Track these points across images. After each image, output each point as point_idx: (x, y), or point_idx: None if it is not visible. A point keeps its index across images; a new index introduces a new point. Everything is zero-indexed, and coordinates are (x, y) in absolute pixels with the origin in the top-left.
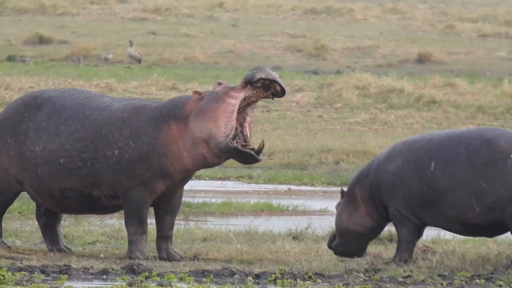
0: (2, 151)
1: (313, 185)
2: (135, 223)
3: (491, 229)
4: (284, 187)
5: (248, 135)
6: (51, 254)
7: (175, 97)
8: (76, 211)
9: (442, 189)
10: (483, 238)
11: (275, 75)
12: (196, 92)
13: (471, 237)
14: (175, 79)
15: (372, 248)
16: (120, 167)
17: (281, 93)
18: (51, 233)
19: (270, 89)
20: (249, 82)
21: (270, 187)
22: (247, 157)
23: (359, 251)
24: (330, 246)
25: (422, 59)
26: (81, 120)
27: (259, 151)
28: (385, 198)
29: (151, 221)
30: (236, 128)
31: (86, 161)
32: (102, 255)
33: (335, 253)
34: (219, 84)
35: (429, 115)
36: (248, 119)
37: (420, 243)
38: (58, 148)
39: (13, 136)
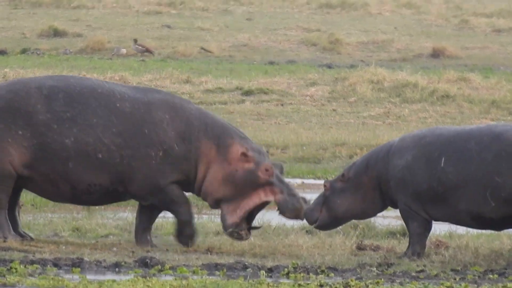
0: (9, 142)
1: (326, 178)
2: (182, 203)
3: (504, 222)
4: (298, 180)
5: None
6: (64, 247)
7: (223, 124)
8: (92, 204)
9: (453, 185)
10: (497, 233)
11: (301, 218)
12: (243, 154)
13: (484, 232)
14: (189, 72)
15: (385, 243)
16: (161, 168)
17: None
18: (10, 219)
19: None
20: (278, 207)
21: None
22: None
23: (342, 224)
24: (312, 222)
25: (436, 54)
26: (113, 112)
27: (253, 228)
28: (394, 192)
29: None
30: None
31: (123, 158)
32: (115, 248)
33: (318, 228)
34: (266, 170)
35: (443, 109)
36: None
37: (433, 237)
38: (95, 142)
39: (27, 128)
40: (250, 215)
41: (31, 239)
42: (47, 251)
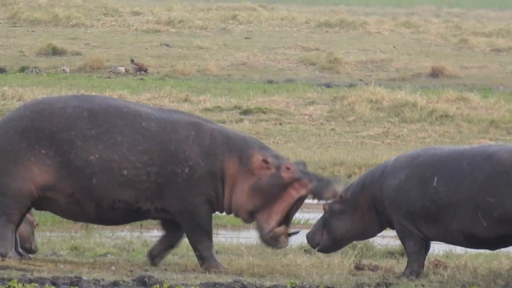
0: (31, 161)
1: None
2: (205, 238)
3: (497, 242)
4: None
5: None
6: (62, 265)
7: (243, 136)
8: (116, 222)
9: (445, 204)
10: (495, 252)
11: (338, 189)
12: (264, 161)
13: (483, 252)
14: (188, 91)
15: (384, 262)
16: (188, 185)
17: None
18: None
19: None
20: (314, 195)
21: None
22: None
23: (343, 246)
24: (314, 246)
25: (435, 73)
26: (139, 131)
27: (291, 234)
28: (388, 212)
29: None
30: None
31: (150, 175)
32: (113, 267)
33: (321, 251)
34: (288, 168)
35: (442, 129)
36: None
37: (432, 257)
38: (121, 159)
39: (50, 147)
40: (287, 219)
41: (29, 258)
42: (46, 269)
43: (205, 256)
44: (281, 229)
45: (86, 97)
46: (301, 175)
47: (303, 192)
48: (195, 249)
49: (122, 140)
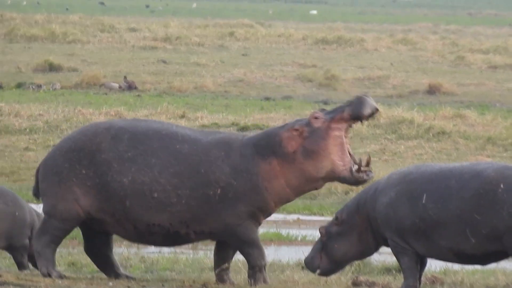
0: (74, 181)
1: (322, 215)
2: (254, 249)
3: (486, 258)
4: (294, 216)
5: (352, 153)
6: (59, 281)
7: (264, 132)
8: (160, 245)
9: (434, 222)
10: (492, 269)
11: (375, 105)
12: (294, 130)
13: (479, 268)
14: (185, 107)
15: (381, 279)
16: (223, 206)
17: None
18: (105, 262)
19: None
20: (356, 119)
21: (279, 216)
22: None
23: (343, 268)
24: (314, 270)
25: (432, 90)
26: (173, 153)
27: (367, 164)
28: (382, 229)
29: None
30: (351, 156)
31: (181, 197)
32: (110, 283)
33: (321, 275)
34: (316, 118)
35: (439, 146)
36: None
37: (428, 273)
38: (151, 181)
39: (90, 167)
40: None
41: (132, 278)
42: (43, 285)
43: (255, 265)
44: (354, 165)
45: (132, 120)
46: (331, 114)
47: (343, 125)
48: (247, 261)
49: (155, 163)
